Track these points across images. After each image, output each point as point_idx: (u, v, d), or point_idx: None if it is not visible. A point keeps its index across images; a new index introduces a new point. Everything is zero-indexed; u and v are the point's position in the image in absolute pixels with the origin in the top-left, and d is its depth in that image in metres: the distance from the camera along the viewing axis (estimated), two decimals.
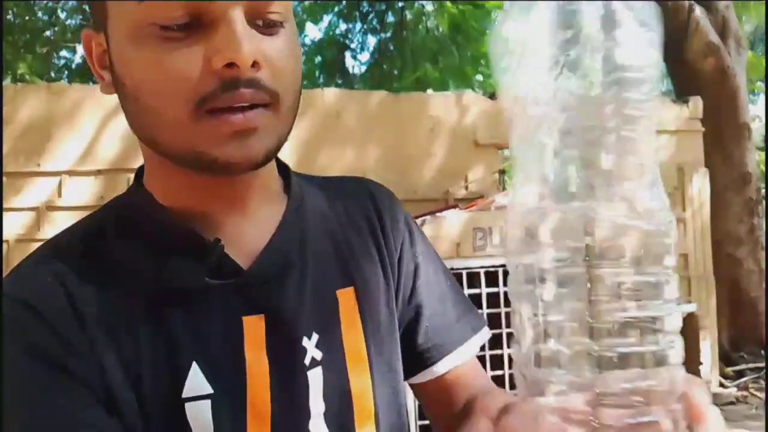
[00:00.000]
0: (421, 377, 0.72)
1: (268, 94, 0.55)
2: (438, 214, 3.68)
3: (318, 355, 0.62)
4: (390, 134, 4.77)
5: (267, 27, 0.55)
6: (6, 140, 4.16)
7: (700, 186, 5.47)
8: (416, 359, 0.72)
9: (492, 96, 5.19)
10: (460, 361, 0.71)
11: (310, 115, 4.65)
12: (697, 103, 5.50)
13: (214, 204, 0.61)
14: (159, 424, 0.56)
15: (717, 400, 5.17)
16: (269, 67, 0.55)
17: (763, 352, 5.51)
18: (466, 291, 3.29)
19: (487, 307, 3.34)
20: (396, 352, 0.69)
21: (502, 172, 5.29)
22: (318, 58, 10.12)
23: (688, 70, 6.11)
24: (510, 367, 3.30)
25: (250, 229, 0.63)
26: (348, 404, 0.63)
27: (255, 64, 0.53)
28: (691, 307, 5.14)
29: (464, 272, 3.36)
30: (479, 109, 5.02)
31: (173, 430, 0.57)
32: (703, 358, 5.09)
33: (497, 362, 3.22)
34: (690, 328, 5.15)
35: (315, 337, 0.63)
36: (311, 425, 0.61)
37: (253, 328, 0.60)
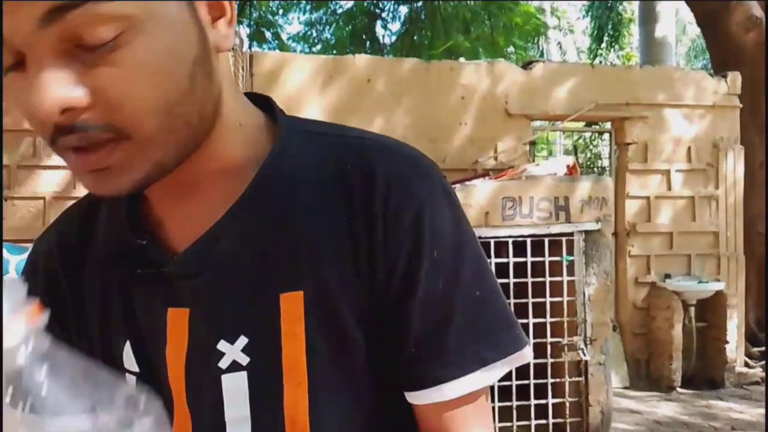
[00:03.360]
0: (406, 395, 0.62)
1: (107, 132, 0.48)
2: (468, 183, 3.68)
3: (243, 360, 0.57)
4: (420, 102, 4.75)
5: (93, 51, 0.46)
6: None
7: (734, 163, 5.37)
8: (399, 377, 0.61)
9: (525, 66, 5.13)
10: (435, 399, 0.58)
11: (340, 82, 4.65)
12: (735, 79, 5.38)
13: (162, 189, 0.57)
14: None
15: (741, 380, 5.15)
16: (102, 102, 0.47)
17: None
18: (493, 261, 3.30)
19: (514, 277, 3.36)
20: (364, 367, 0.59)
21: (533, 143, 5.25)
22: (348, 28, 10.05)
23: (728, 43, 5.96)
24: (535, 336, 3.32)
25: (200, 212, 0.59)
26: (279, 417, 0.58)
27: (67, 111, 0.47)
28: (720, 285, 5.10)
29: (492, 241, 3.37)
30: (511, 79, 4.97)
31: None
32: (729, 336, 5.06)
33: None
34: (718, 307, 5.11)
35: (242, 340, 0.57)
36: (230, 429, 0.59)
37: (177, 320, 0.59)
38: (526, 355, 0.61)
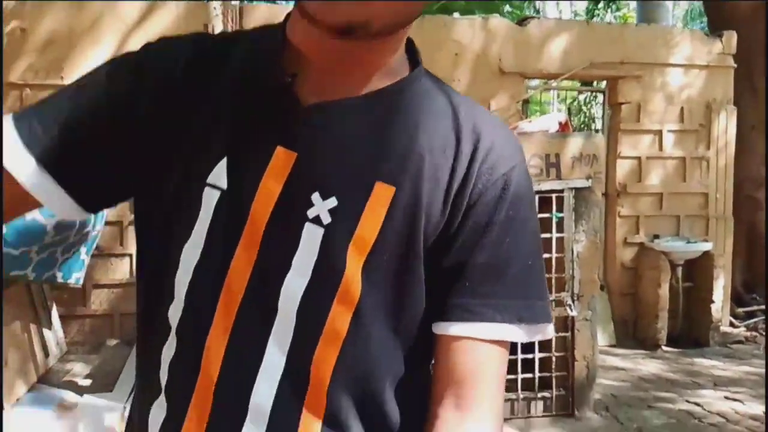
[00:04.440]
0: (434, 327, 0.67)
1: None
2: None
3: (326, 218, 0.62)
4: None
5: None
6: (28, 54, 4.19)
7: (726, 124, 5.36)
8: (437, 306, 0.66)
9: (520, 23, 5.06)
10: (470, 334, 0.64)
11: None
12: (730, 38, 5.33)
13: (326, 52, 0.61)
14: (177, 192, 0.64)
15: (726, 339, 5.23)
16: None
17: None
18: None
19: None
20: (416, 285, 0.65)
21: (526, 101, 5.21)
22: None
23: (724, 4, 5.90)
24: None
25: (342, 86, 0.64)
26: (336, 282, 0.62)
27: None
28: (708, 246, 5.14)
29: None
30: (505, 36, 4.91)
31: (188, 202, 0.63)
32: (715, 296, 5.12)
33: None
34: (705, 267, 5.17)
35: (332, 201, 0.62)
36: (289, 276, 0.62)
37: (282, 159, 0.62)
38: (549, 331, 0.69)
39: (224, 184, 0.62)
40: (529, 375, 3.54)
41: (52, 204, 0.63)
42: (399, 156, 0.63)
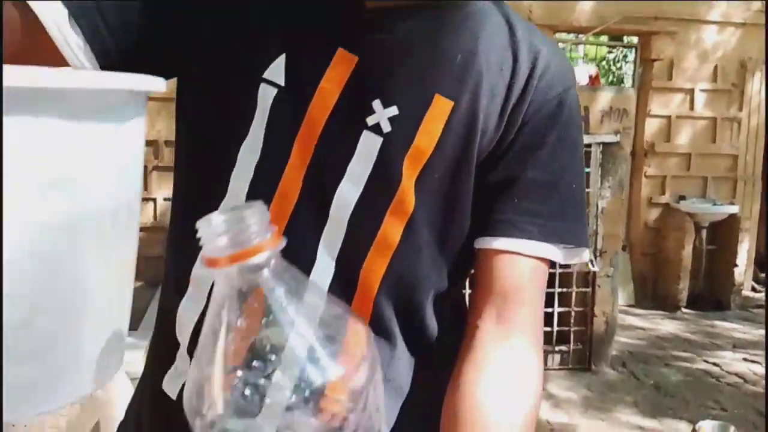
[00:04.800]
0: (477, 242, 0.67)
1: None
2: None
3: (386, 127, 0.60)
4: None
5: None
6: None
7: (761, 84, 5.22)
8: (480, 222, 0.66)
9: None
10: (516, 249, 0.64)
11: None
12: None
13: None
14: (234, 88, 0.62)
15: (747, 303, 5.19)
16: None
17: None
18: None
19: None
20: (461, 198, 0.65)
21: None
22: None
23: None
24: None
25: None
26: (391, 193, 0.61)
27: None
28: (734, 209, 5.07)
29: None
30: None
31: (242, 98, 0.61)
32: (739, 260, 5.07)
33: None
34: (730, 230, 5.10)
35: (393, 110, 0.60)
36: (343, 183, 0.61)
37: (342, 62, 0.60)
38: (585, 256, 0.69)
39: (282, 81, 0.61)
40: (548, 328, 3.55)
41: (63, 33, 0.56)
42: (459, 70, 0.62)
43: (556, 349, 3.61)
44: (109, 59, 0.58)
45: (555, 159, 0.65)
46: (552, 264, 0.68)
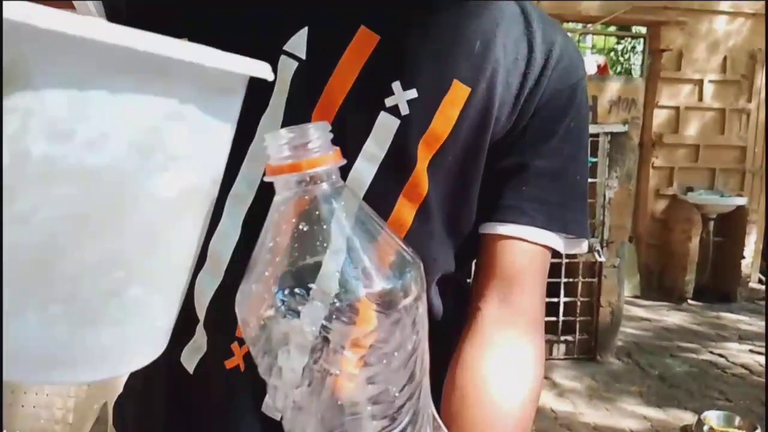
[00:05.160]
0: (482, 227, 0.68)
1: None
2: None
3: (404, 109, 0.60)
4: None
5: None
6: None
7: None
8: (486, 207, 0.67)
9: None
10: (521, 236, 0.65)
11: None
12: None
13: None
14: (254, 58, 0.61)
15: (753, 295, 5.18)
16: None
17: None
18: None
19: None
20: (471, 184, 0.65)
21: None
22: None
23: None
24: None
25: None
26: (405, 176, 0.61)
27: None
28: (742, 201, 5.05)
29: None
30: None
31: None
32: (746, 252, 5.05)
33: None
34: (737, 222, 5.08)
35: (413, 92, 0.60)
36: (358, 163, 0.61)
37: (364, 40, 0.60)
38: (584, 247, 0.70)
39: (303, 54, 0.60)
40: (553, 318, 3.55)
41: None
42: (477, 56, 0.62)
43: (562, 338, 3.62)
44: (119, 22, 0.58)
45: (564, 148, 0.67)
46: (555, 253, 0.69)
